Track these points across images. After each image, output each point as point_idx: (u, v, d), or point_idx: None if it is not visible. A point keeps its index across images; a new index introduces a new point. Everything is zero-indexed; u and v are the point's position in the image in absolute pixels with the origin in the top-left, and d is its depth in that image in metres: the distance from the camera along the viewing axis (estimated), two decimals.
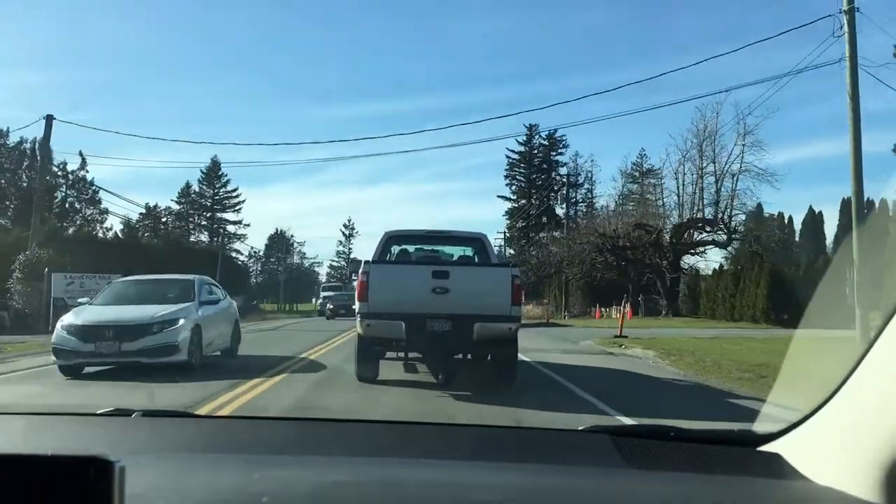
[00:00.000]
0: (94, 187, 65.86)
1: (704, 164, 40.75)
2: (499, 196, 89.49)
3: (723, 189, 39.69)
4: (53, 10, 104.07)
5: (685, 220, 38.28)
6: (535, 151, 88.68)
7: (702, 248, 41.99)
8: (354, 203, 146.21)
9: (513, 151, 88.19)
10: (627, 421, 7.45)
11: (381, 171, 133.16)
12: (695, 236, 41.63)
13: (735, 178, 38.75)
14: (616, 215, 41.62)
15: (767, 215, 50.36)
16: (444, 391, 10.12)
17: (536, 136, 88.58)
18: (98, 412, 2.31)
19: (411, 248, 13.12)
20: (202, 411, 7.83)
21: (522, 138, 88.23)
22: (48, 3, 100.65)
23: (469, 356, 11.47)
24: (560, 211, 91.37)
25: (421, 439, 2.18)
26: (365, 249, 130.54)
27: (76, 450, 1.09)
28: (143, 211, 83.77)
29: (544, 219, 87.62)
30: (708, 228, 39.33)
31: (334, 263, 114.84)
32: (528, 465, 1.84)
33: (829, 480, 1.56)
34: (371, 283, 10.14)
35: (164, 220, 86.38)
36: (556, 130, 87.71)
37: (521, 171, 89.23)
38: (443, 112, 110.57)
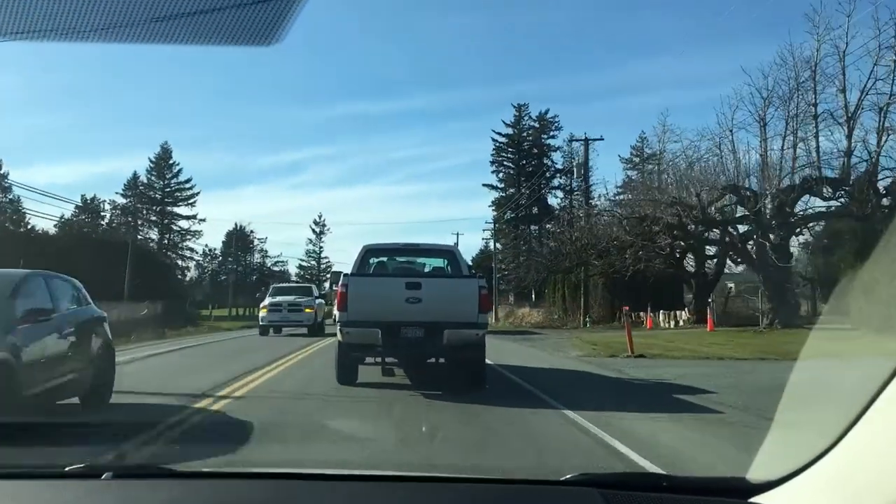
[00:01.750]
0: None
1: (816, 100, 27.20)
2: (484, 184, 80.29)
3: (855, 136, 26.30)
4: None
5: (799, 182, 26.69)
6: (525, 134, 79.47)
7: (813, 224, 28.44)
8: (329, 204, 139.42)
9: (499, 134, 78.99)
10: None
11: (357, 172, 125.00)
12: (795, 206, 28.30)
13: (883, 116, 26.52)
14: (691, 175, 29.99)
15: None
16: (416, 391, 11.20)
17: (526, 117, 79.62)
18: (66, 468, 2.23)
19: (388, 260, 13.79)
20: None
21: (511, 119, 79.30)
22: None
23: (441, 360, 12.02)
24: (553, 201, 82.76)
25: (401, 497, 2.18)
26: (337, 248, 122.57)
27: None
28: (80, 204, 73.60)
29: (535, 210, 78.71)
30: (827, 193, 26.02)
31: (303, 263, 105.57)
32: None
33: None
34: (350, 293, 11.10)
35: (103, 213, 75.99)
36: (547, 111, 79.05)
37: (510, 156, 79.94)
38: (421, 112, 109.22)
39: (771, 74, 29.03)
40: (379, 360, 12.14)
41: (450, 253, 13.85)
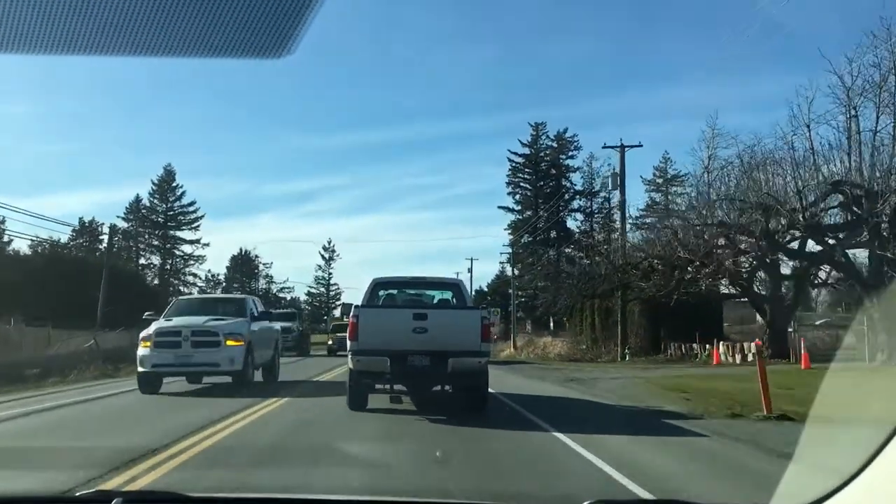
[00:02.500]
0: None
1: None
2: (500, 207, 76.53)
3: None
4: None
5: None
6: (542, 154, 75.78)
7: None
8: (341, 232, 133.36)
9: (516, 154, 75.33)
10: None
11: (369, 200, 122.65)
12: None
13: None
14: (759, 178, 23.69)
15: None
16: (421, 416, 11.55)
17: (543, 136, 75.96)
18: (77, 494, 2.26)
19: (396, 293, 14.34)
20: None
21: (527, 138, 75.66)
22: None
23: (446, 387, 12.68)
24: (572, 224, 78.82)
25: None
26: (349, 275, 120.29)
27: None
28: (77, 227, 70.36)
29: (553, 233, 74.79)
30: None
31: (312, 290, 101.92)
32: None
33: None
34: (360, 324, 11.69)
35: (102, 237, 72.57)
36: (566, 130, 75.38)
37: (526, 176, 76.18)
38: (430, 141, 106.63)
39: (856, 58, 24.14)
40: (388, 386, 12.48)
41: (455, 286, 14.61)
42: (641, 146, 32.62)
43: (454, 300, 13.75)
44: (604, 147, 32.08)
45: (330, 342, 41.67)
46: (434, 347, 11.41)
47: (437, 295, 14.61)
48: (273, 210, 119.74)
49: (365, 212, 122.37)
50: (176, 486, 6.05)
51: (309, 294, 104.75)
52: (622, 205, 30.31)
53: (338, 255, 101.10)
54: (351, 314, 12.16)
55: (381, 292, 13.76)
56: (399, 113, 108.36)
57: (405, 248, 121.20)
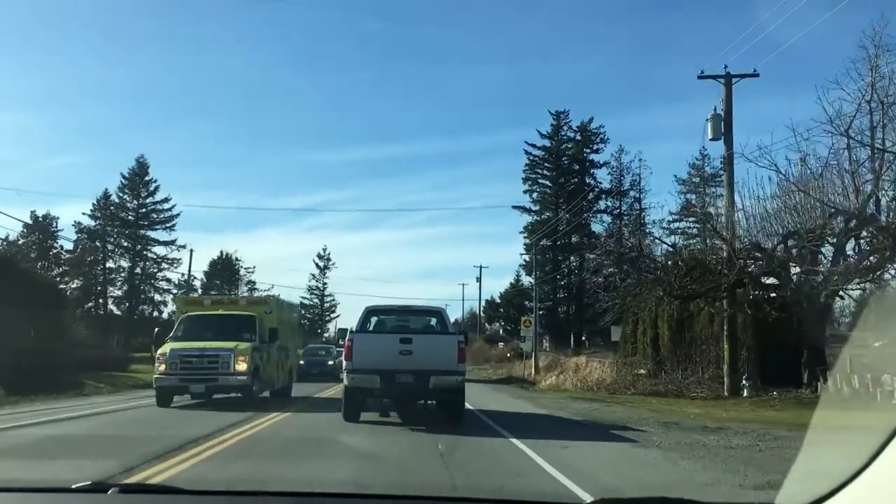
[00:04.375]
0: None
1: None
2: (514, 207, 67.21)
3: None
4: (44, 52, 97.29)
5: None
6: (564, 147, 66.47)
7: None
8: (343, 248, 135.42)
9: (534, 147, 66.05)
10: None
11: (371, 216, 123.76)
12: None
13: None
14: None
15: None
16: (408, 426, 13.33)
17: (565, 127, 66.69)
18: (73, 486, 2.18)
19: (386, 319, 15.89)
20: None
21: (548, 129, 66.39)
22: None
23: (428, 402, 14.72)
24: (597, 227, 69.34)
25: None
26: (349, 292, 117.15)
27: None
28: (29, 222, 61.09)
29: (574, 238, 65.34)
30: None
31: (305, 301, 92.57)
32: None
33: None
34: (355, 347, 13.62)
35: (58, 233, 63.19)
36: (591, 120, 66.14)
37: (546, 172, 66.84)
38: (434, 157, 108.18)
39: None
40: (378, 401, 14.43)
41: (438, 313, 16.31)
42: (757, 75, 22.13)
43: (437, 325, 15.47)
44: (700, 77, 22.27)
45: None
46: (418, 367, 13.24)
47: (423, 320, 15.99)
48: (274, 225, 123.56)
49: (367, 227, 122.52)
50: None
51: (302, 305, 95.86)
52: (728, 161, 20.51)
53: (333, 264, 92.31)
54: (346, 338, 14.16)
55: (374, 318, 15.40)
56: (402, 128, 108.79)
57: (410, 263, 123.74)
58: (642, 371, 26.98)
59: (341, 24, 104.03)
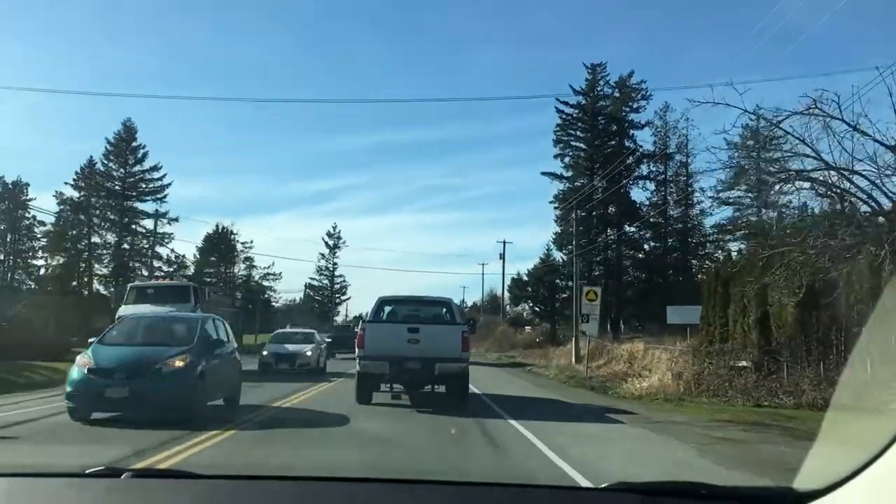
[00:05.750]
0: None
1: None
2: (543, 173, 59.44)
3: None
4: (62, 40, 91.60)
5: None
6: (601, 104, 58.53)
7: None
8: (360, 232, 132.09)
9: (566, 104, 58.14)
10: None
11: (388, 200, 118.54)
12: None
13: None
14: None
15: None
16: (415, 408, 14.20)
17: (602, 82, 58.72)
18: (86, 472, 2.19)
19: (398, 308, 16.26)
20: None
21: (582, 85, 58.44)
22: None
23: (434, 387, 15.42)
24: (640, 196, 61.59)
25: (423, 499, 2.17)
26: (353, 264, 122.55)
27: None
28: None
29: (612, 209, 57.53)
30: None
31: (313, 282, 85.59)
32: None
33: None
34: (367, 336, 14.53)
35: (29, 202, 56.33)
36: (631, 73, 58.07)
37: (580, 133, 58.97)
38: (452, 141, 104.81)
39: None
40: (388, 386, 15.41)
41: (446, 303, 16.60)
42: None
43: (446, 315, 16.00)
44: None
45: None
46: (424, 354, 14.05)
47: (432, 311, 16.37)
48: (288, 209, 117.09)
49: (383, 211, 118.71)
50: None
51: (310, 287, 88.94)
52: None
53: (343, 243, 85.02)
54: (360, 327, 15.81)
55: (386, 308, 16.06)
56: (420, 113, 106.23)
57: (428, 248, 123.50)
58: (744, 363, 19.36)
59: (354, 4, 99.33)
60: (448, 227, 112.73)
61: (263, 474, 2.53)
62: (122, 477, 2.12)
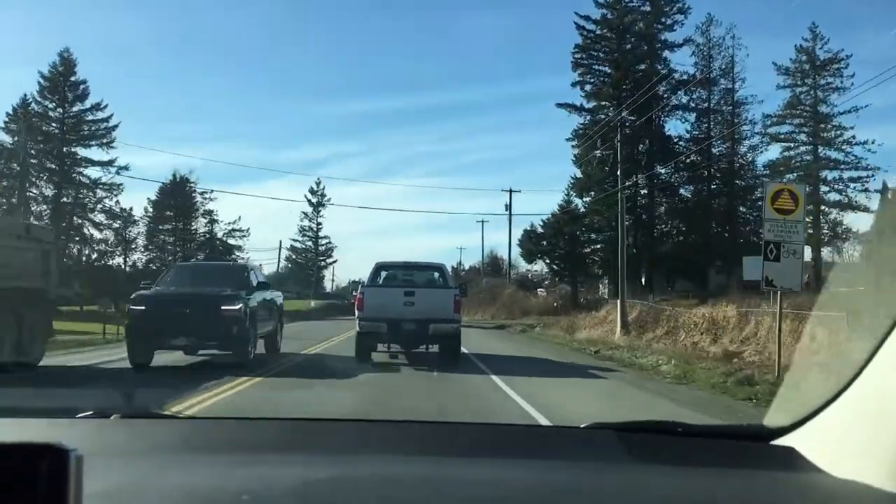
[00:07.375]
0: None
1: None
2: (559, 105, 49.48)
3: None
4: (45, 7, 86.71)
5: None
6: (628, 20, 48.47)
7: None
8: (354, 198, 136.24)
9: (587, 19, 48.07)
10: None
11: (380, 167, 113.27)
12: None
13: None
14: None
15: None
16: (413, 367, 14.96)
17: None
18: (76, 416, 2.18)
19: (394, 273, 17.91)
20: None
21: None
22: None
23: (429, 346, 16.07)
24: (678, 129, 51.96)
25: (416, 436, 2.11)
26: (338, 222, 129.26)
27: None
28: None
29: (642, 146, 47.90)
30: None
31: (296, 244, 76.16)
32: (530, 461, 1.78)
33: (848, 473, 1.49)
34: (366, 299, 15.62)
35: None
36: None
37: (603, 55, 49.02)
38: (448, 108, 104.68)
39: None
40: (386, 346, 16.16)
41: (439, 268, 18.33)
42: None
43: (439, 279, 17.58)
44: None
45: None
46: (419, 316, 15.03)
47: (426, 275, 17.94)
48: (281, 178, 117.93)
49: (377, 178, 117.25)
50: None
51: (293, 249, 79.45)
52: None
53: (328, 201, 75.33)
54: (358, 291, 16.42)
55: (383, 273, 17.51)
56: (414, 80, 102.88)
57: (418, 213, 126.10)
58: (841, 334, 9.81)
59: None
60: (436, 192, 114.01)
61: (248, 416, 2.83)
62: (111, 418, 2.10)
